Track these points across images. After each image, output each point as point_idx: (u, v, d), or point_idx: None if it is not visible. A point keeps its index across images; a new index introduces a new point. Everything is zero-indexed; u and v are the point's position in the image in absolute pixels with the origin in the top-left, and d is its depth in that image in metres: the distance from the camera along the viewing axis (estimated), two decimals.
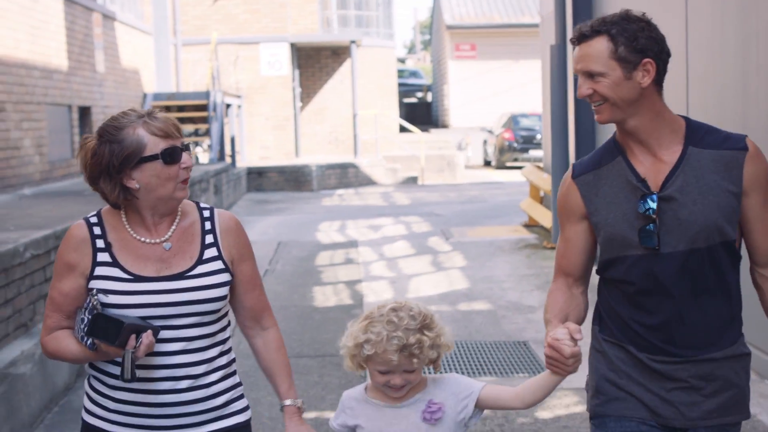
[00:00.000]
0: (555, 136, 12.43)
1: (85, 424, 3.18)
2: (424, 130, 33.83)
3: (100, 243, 3.11)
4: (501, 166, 30.74)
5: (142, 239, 3.13)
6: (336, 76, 29.42)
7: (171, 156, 3.07)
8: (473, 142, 34.03)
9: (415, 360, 3.10)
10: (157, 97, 20.88)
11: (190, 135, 21.94)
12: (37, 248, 6.96)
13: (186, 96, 21.91)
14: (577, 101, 11.42)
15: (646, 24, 3.06)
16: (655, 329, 3.12)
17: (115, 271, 3.08)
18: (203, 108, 21.36)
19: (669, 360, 3.11)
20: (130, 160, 3.02)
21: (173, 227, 3.19)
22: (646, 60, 3.03)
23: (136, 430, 3.10)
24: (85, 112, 15.25)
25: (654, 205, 3.05)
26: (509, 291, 10.35)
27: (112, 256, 3.10)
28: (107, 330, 2.90)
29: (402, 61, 65.43)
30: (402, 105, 39.79)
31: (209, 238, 3.22)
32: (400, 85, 40.66)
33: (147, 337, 2.93)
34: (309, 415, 6.36)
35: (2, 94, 11.80)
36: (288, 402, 3.23)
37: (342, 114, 29.11)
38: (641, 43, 3.02)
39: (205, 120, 21.54)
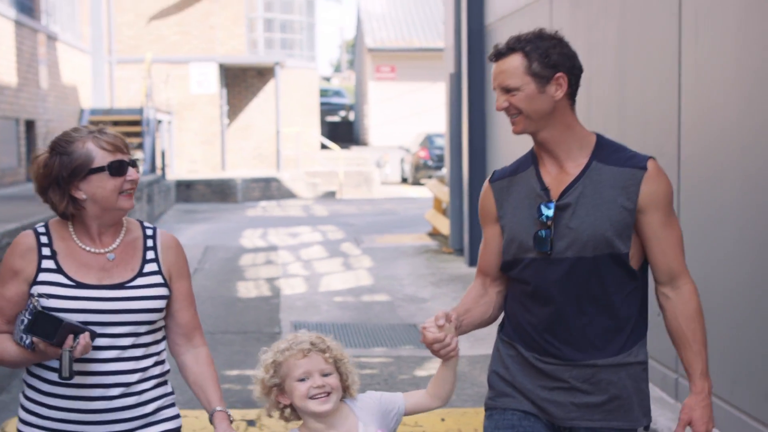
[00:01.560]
0: (452, 153, 14.05)
1: None
2: (345, 147, 34.69)
3: (45, 251, 3.19)
4: (416, 183, 31.51)
5: (87, 248, 3.21)
6: (261, 95, 30.21)
7: (117, 169, 3.17)
8: (391, 160, 34.76)
9: (326, 355, 3.16)
10: (93, 112, 21.90)
11: None
12: (11, 237, 8.43)
13: (121, 112, 22.95)
14: (471, 123, 12.99)
15: (558, 41, 3.20)
16: (541, 330, 3.23)
17: (59, 277, 3.15)
18: (137, 123, 22.34)
19: (553, 361, 3.22)
20: (78, 171, 3.13)
21: (118, 239, 3.26)
22: (559, 74, 3.15)
23: None
24: (30, 126, 16.50)
25: (550, 213, 3.17)
26: (407, 286, 11.96)
27: (56, 263, 3.17)
28: (46, 328, 2.97)
29: (327, 79, 65.42)
30: (325, 123, 40.40)
31: (150, 254, 3.30)
32: (324, 104, 41.37)
33: (84, 338, 2.99)
34: (232, 372, 7.94)
35: None
36: (219, 408, 3.27)
37: (266, 131, 29.98)
38: (553, 59, 3.14)
39: (138, 134, 22.46)
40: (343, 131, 42.82)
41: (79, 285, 3.14)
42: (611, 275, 3.16)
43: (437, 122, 34.98)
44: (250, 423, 6.47)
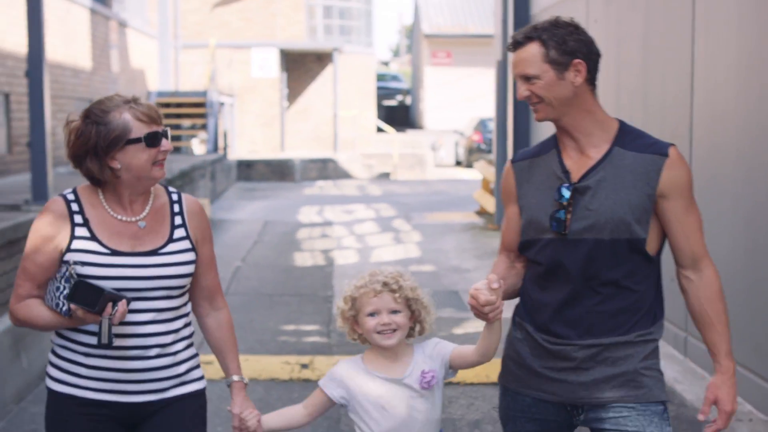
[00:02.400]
0: (498, 136, 14.87)
1: (53, 393, 3.27)
2: (401, 130, 35.22)
3: (78, 218, 3.19)
4: (469, 165, 31.57)
5: (119, 217, 3.23)
6: (319, 80, 30.85)
7: (153, 140, 3.18)
8: (446, 143, 35.08)
9: (396, 295, 3.29)
10: (160, 94, 22.83)
11: (188, 128, 23.87)
12: None
13: (186, 94, 23.81)
14: (515, 107, 13.73)
15: (574, 28, 3.18)
16: (553, 311, 3.24)
17: (94, 245, 3.17)
18: (200, 105, 23.21)
19: (562, 342, 3.23)
20: (116, 142, 3.12)
21: (147, 207, 3.30)
22: (577, 61, 3.15)
23: (107, 394, 3.21)
24: None
25: (567, 194, 3.17)
26: (452, 258, 12.80)
27: (90, 231, 3.19)
28: (87, 296, 3.02)
29: (386, 64, 65.52)
30: (382, 107, 40.97)
31: (178, 220, 3.34)
32: (382, 88, 41.83)
33: (122, 305, 3.05)
34: (289, 327, 8.87)
35: None
36: (236, 378, 3.40)
37: (324, 114, 30.66)
38: (570, 46, 3.14)
39: (201, 116, 23.33)
40: (399, 115, 43.16)
41: (115, 252, 3.17)
42: (628, 262, 3.17)
43: (491, 107, 34.61)
44: (304, 366, 7.39)
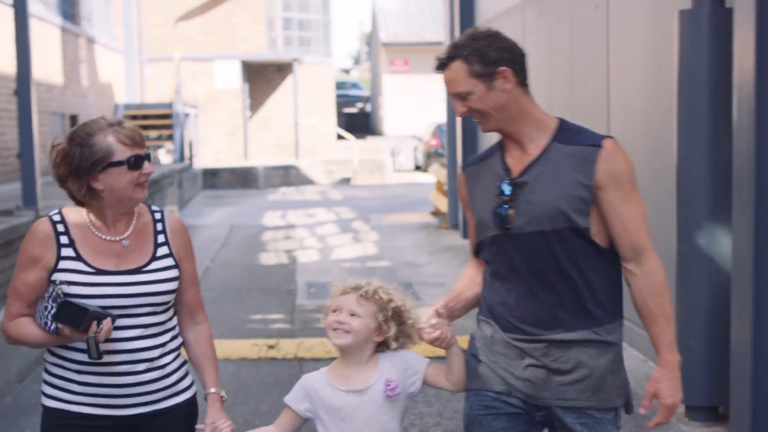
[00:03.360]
0: (449, 139, 15.78)
1: (48, 409, 3.33)
2: (361, 137, 35.77)
3: (63, 239, 3.26)
4: (427, 170, 31.48)
5: (103, 236, 3.29)
6: (280, 89, 31.47)
7: (135, 163, 3.23)
8: (405, 149, 35.41)
9: (362, 301, 3.29)
10: (127, 107, 23.48)
11: (154, 139, 24.51)
12: None
13: (152, 106, 24.51)
14: None
15: (491, 37, 3.20)
16: (510, 307, 3.25)
17: (79, 265, 3.23)
18: (166, 116, 23.89)
19: (522, 338, 3.23)
20: (98, 163, 3.19)
21: (131, 226, 3.35)
22: (501, 68, 3.16)
23: (100, 409, 3.27)
24: (74, 120, 18.14)
25: (508, 190, 3.21)
26: (407, 255, 13.71)
27: (75, 251, 3.25)
28: (72, 316, 3.10)
29: (347, 71, 65.79)
30: (343, 114, 41.33)
31: (161, 238, 3.39)
32: (342, 96, 42.29)
33: (107, 323, 3.12)
34: (256, 316, 9.78)
35: (4, 103, 14.80)
36: (213, 390, 3.42)
37: (286, 122, 31.26)
38: (491, 56, 3.15)
39: (167, 127, 23.98)
40: (360, 122, 43.45)
41: (99, 272, 3.23)
42: (575, 248, 3.17)
43: None
44: (270, 347, 8.28)
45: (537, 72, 10.49)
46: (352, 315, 3.28)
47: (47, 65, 16.60)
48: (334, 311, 3.31)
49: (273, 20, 31.18)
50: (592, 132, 3.25)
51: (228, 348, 8.20)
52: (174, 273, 3.36)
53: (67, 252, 3.25)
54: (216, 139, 30.41)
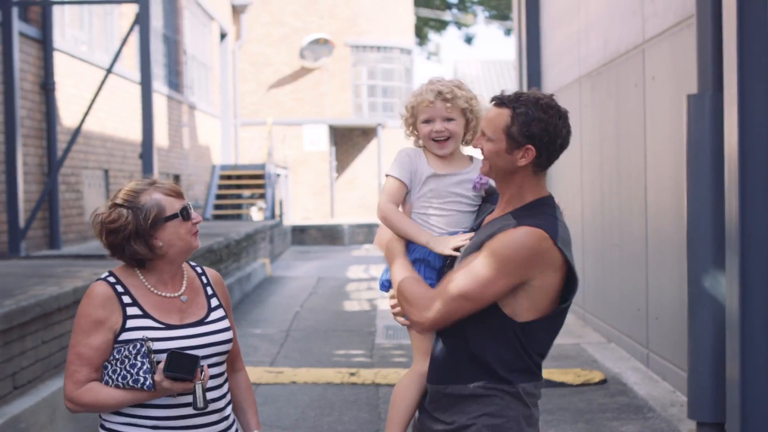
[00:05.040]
0: None
1: None
2: None
3: (126, 299, 3.25)
4: None
5: (162, 293, 3.31)
6: (365, 152, 32.52)
7: (186, 213, 3.30)
8: None
9: (448, 104, 3.36)
10: (223, 168, 24.88)
11: (247, 198, 25.81)
12: None
13: (246, 167, 25.83)
14: None
15: (549, 117, 3.11)
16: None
17: (148, 322, 3.23)
18: (259, 177, 25.25)
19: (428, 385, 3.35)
20: (156, 221, 3.21)
21: (184, 281, 3.39)
22: (529, 146, 3.09)
23: None
24: (177, 179, 19.69)
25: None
26: None
27: (141, 309, 3.25)
28: (183, 366, 3.09)
29: None
30: None
31: (209, 290, 3.45)
32: None
33: (206, 369, 3.18)
34: (340, 351, 11.18)
35: (134, 166, 16.14)
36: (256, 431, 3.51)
37: (369, 183, 32.26)
38: (532, 131, 3.08)
39: (260, 186, 25.22)
40: None
41: (169, 326, 3.25)
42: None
43: None
44: (352, 374, 9.63)
45: (592, 138, 11.82)
46: (447, 120, 3.42)
47: (156, 130, 18.31)
48: (426, 122, 3.42)
49: (359, 87, 32.25)
50: (539, 218, 3.17)
51: (316, 374, 9.62)
52: (228, 323, 3.42)
53: (132, 311, 3.25)
54: (304, 198, 31.44)
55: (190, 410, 3.25)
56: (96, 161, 14.26)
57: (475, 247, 3.19)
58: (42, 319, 6.80)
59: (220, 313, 3.43)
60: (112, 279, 3.31)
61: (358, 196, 32.56)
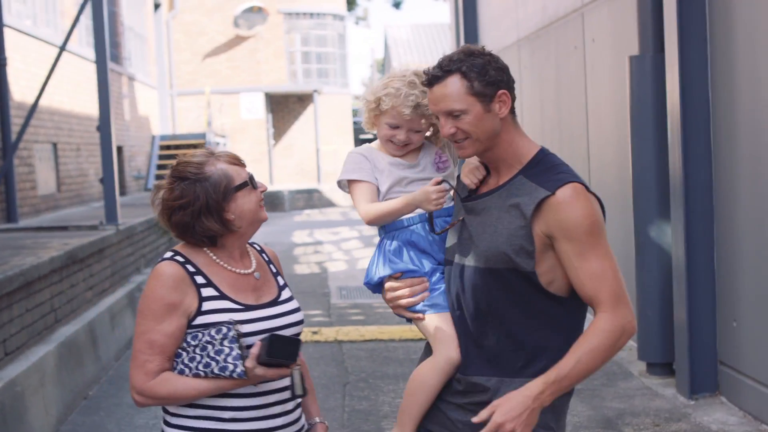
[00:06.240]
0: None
1: None
2: None
3: (199, 279, 2.99)
4: None
5: (237, 270, 3.06)
6: (302, 119, 32.69)
7: (254, 181, 3.08)
8: None
9: (423, 121, 3.13)
10: (162, 138, 24.93)
11: None
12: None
13: (186, 137, 25.89)
14: None
15: (490, 56, 2.94)
16: (460, 345, 3.07)
17: (227, 303, 2.98)
18: (198, 146, 25.33)
19: (461, 377, 3.07)
20: (227, 192, 2.98)
21: (252, 258, 3.15)
22: (501, 92, 2.91)
23: None
24: (120, 150, 19.88)
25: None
26: None
27: (217, 289, 2.99)
28: (285, 350, 2.86)
29: (359, 97, 67.93)
30: (359, 140, 43.24)
31: (273, 268, 3.23)
32: (358, 122, 43.81)
33: (301, 354, 2.97)
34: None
35: (80, 138, 16.36)
36: (318, 419, 3.27)
37: (307, 149, 32.52)
38: (492, 76, 2.89)
39: None
40: None
41: (248, 307, 3.01)
42: (520, 291, 2.94)
43: None
44: (314, 332, 10.05)
45: (532, 100, 12.27)
46: (415, 132, 3.21)
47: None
48: (391, 127, 3.20)
49: (293, 54, 32.46)
50: (562, 172, 2.97)
51: None
52: (297, 303, 3.22)
53: (208, 292, 3.00)
54: None
55: (271, 398, 3.04)
56: (45, 135, 14.41)
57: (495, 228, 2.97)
58: (25, 288, 7.08)
59: (288, 292, 3.21)
60: (180, 258, 3.05)
61: (295, 162, 32.80)
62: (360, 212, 3.24)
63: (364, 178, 3.24)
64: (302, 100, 32.70)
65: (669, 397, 7.35)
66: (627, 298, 2.94)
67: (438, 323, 3.13)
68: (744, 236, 6.69)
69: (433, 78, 2.96)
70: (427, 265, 3.19)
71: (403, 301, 3.16)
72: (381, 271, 3.23)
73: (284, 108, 32.73)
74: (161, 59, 27.52)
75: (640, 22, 7.82)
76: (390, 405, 7.34)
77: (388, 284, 3.19)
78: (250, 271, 3.11)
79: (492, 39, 14.98)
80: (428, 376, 3.12)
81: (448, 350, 3.09)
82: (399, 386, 7.83)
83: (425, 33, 44.34)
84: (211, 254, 3.08)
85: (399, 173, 3.23)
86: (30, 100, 13.01)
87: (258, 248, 3.28)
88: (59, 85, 15.09)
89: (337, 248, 18.37)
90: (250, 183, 3.08)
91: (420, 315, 3.16)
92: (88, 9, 12.70)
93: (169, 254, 3.08)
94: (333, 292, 13.01)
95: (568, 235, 2.88)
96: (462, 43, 16.27)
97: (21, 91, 13.28)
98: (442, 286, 3.17)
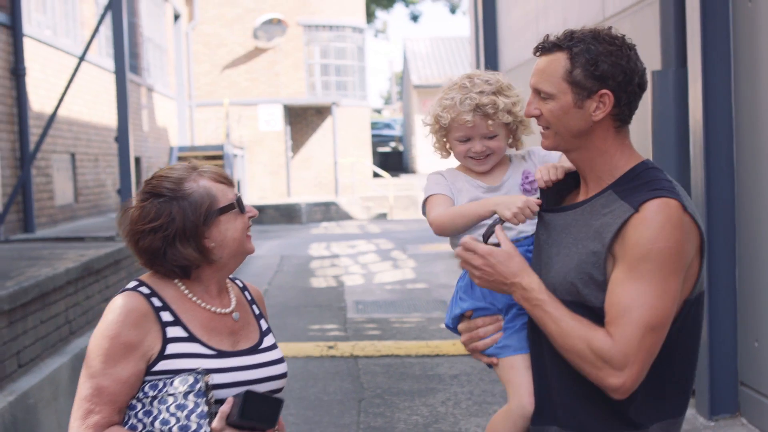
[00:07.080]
0: None
1: None
2: (395, 175, 37.15)
3: (166, 316, 2.54)
4: None
5: (213, 309, 2.64)
6: (320, 131, 32.65)
7: (241, 204, 2.64)
8: None
9: (490, 122, 2.84)
10: (181, 149, 24.92)
11: None
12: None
13: (204, 148, 26.00)
14: None
15: (617, 48, 2.51)
16: (534, 389, 2.69)
17: (196, 347, 2.53)
18: (217, 158, 25.39)
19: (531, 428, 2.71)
20: (209, 214, 2.55)
21: (232, 295, 2.74)
22: (604, 91, 2.49)
23: None
24: (138, 161, 20.04)
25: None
26: (442, 278, 15.37)
27: (186, 330, 2.54)
28: (262, 411, 2.43)
29: (378, 111, 67.02)
30: (377, 153, 42.65)
31: (255, 309, 2.81)
32: (376, 135, 43.62)
33: (281, 417, 2.58)
34: (314, 326, 11.49)
35: (98, 149, 16.48)
36: None
37: (325, 162, 32.49)
38: (601, 69, 2.48)
39: (220, 167, 25.65)
40: (393, 160, 44.63)
41: (222, 354, 2.58)
42: None
43: None
44: (330, 347, 10.02)
45: None
46: (489, 138, 2.93)
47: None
48: (463, 141, 2.94)
49: (312, 67, 32.52)
50: (659, 188, 2.50)
51: (295, 348, 9.94)
52: (282, 352, 2.79)
53: (175, 332, 2.55)
54: (261, 178, 31.75)
55: None
56: (63, 145, 14.45)
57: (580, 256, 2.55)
58: (40, 300, 7.05)
59: (271, 339, 2.77)
60: (145, 289, 2.59)
61: (313, 174, 32.82)
62: (429, 220, 2.93)
63: (440, 192, 2.94)
64: (320, 112, 32.76)
65: (689, 418, 7.23)
66: (644, 356, 2.48)
67: (510, 367, 2.82)
68: (767, 254, 6.59)
69: (543, 48, 2.63)
70: (501, 300, 2.87)
71: (479, 344, 2.84)
72: (453, 310, 2.99)
73: (302, 120, 32.82)
74: (180, 70, 27.64)
75: (662, 37, 7.74)
76: (405, 422, 7.27)
77: (460, 326, 2.90)
78: (228, 310, 2.69)
79: (512, 52, 14.93)
80: (500, 426, 2.82)
81: (520, 398, 2.78)
82: (414, 403, 7.76)
83: (444, 46, 44.29)
84: (183, 287, 2.64)
85: (478, 195, 2.93)
86: (48, 110, 13.04)
87: (240, 285, 2.86)
88: (78, 95, 15.13)
89: (354, 262, 18.33)
90: (237, 206, 2.65)
91: (493, 359, 2.84)
92: (108, 19, 12.72)
93: (132, 284, 2.63)
94: (349, 306, 12.95)
95: (623, 253, 2.47)
96: (482, 57, 16.26)
97: (40, 101, 13.30)
98: (518, 323, 2.83)
